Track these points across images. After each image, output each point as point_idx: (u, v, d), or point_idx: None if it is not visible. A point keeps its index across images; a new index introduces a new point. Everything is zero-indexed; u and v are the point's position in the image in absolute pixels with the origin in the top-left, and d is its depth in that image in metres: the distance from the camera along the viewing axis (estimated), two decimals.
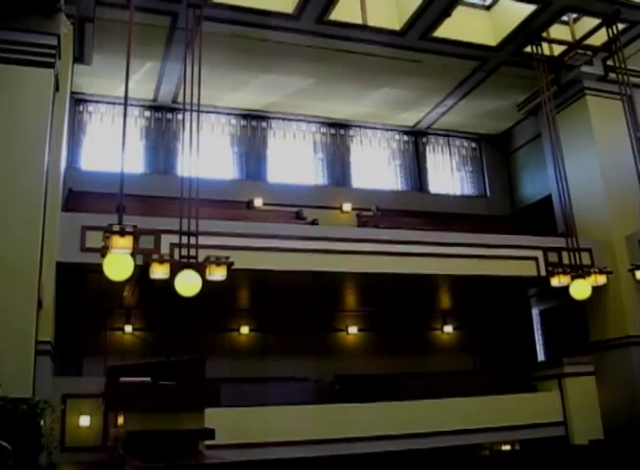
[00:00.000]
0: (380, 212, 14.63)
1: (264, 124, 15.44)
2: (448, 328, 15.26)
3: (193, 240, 9.25)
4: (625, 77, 12.14)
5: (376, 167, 16.26)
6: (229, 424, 9.10)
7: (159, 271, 8.65)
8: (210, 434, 4.33)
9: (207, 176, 13.27)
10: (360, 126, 16.25)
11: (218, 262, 8.78)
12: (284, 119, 15.57)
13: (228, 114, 15.10)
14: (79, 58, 11.76)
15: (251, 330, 13.66)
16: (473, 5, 13.39)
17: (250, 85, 14.06)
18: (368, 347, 14.40)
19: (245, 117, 15.27)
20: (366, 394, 11.22)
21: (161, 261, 8.68)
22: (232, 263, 8.83)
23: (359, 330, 14.49)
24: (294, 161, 15.50)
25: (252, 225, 10.57)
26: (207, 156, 14.02)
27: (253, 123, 15.38)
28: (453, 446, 10.91)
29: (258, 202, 14.19)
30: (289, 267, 10.40)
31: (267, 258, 10.26)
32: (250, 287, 12.10)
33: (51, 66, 9.20)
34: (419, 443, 10.59)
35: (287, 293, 12.27)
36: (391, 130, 16.58)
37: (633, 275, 11.25)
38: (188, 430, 4.36)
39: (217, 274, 8.80)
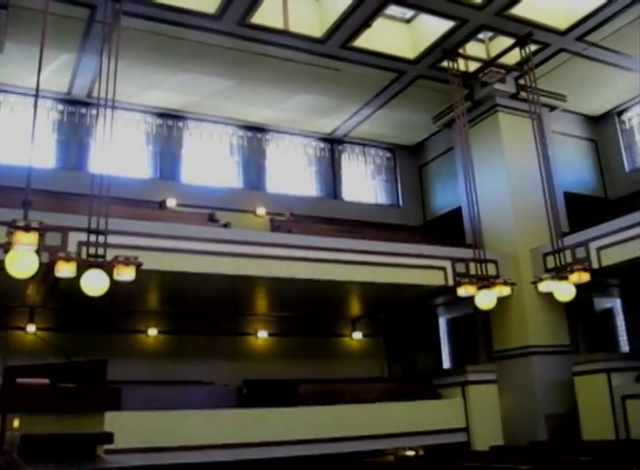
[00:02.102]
0: (293, 218, 14.69)
1: (180, 124, 15.26)
2: (357, 334, 15.41)
3: (102, 239, 9.02)
4: (535, 97, 12.58)
5: (291, 173, 16.30)
6: (134, 428, 8.93)
7: (64, 270, 8.38)
8: (109, 438, 4.22)
9: (120, 174, 13.02)
10: (277, 131, 16.26)
11: (127, 263, 8.59)
12: (201, 120, 15.42)
13: (144, 111, 14.84)
14: None
15: (159, 332, 13.44)
16: (393, 18, 13.59)
17: (167, 84, 13.88)
18: (277, 351, 14.40)
19: (161, 115, 15.04)
20: (274, 398, 11.20)
21: (68, 260, 8.41)
22: (141, 264, 8.66)
23: (269, 335, 14.47)
24: (209, 162, 15.37)
25: (164, 226, 10.39)
26: (121, 153, 13.78)
27: (170, 123, 15.17)
28: (359, 451, 11.00)
29: (171, 202, 14.00)
30: (200, 270, 10.27)
31: (178, 259, 10.10)
32: (160, 289, 11.90)
33: None
34: (326, 448, 10.61)
35: (197, 295, 12.15)
36: (308, 136, 16.67)
37: (536, 287, 11.57)
38: (86, 434, 4.24)
39: (126, 275, 8.61)
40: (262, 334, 14.41)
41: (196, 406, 10.12)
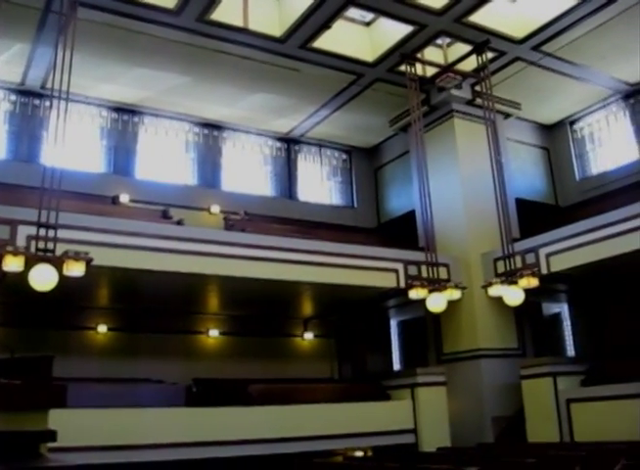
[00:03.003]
0: (248, 217, 14.63)
1: (136, 119, 15.09)
2: (309, 335, 15.43)
3: (52, 233, 8.85)
4: (491, 104, 12.74)
5: (247, 172, 16.25)
6: (81, 426, 8.78)
7: (12, 263, 8.21)
8: (53, 436, 4.14)
9: (73, 168, 12.85)
10: (234, 129, 16.19)
11: (77, 258, 8.44)
12: (157, 116, 15.28)
13: (99, 105, 14.64)
14: None
15: (110, 329, 13.25)
16: (353, 20, 13.66)
17: (124, 78, 13.71)
18: (228, 350, 14.33)
19: (116, 109, 14.85)
20: (224, 398, 11.14)
21: (16, 254, 8.25)
22: (91, 259, 8.52)
23: (220, 333, 14.39)
24: (164, 158, 15.23)
25: (116, 222, 10.25)
26: (74, 147, 13.56)
27: (125, 117, 14.98)
28: (308, 451, 11.01)
29: (125, 198, 13.83)
30: (152, 267, 10.17)
31: (130, 256, 9.99)
32: (111, 285, 11.74)
33: None
34: (275, 447, 10.59)
35: (148, 293, 12.03)
36: (265, 136, 16.64)
37: (486, 292, 11.71)
38: (29, 431, 4.15)
39: (75, 270, 8.46)
40: (214, 333, 14.33)
41: (145, 405, 10.00)
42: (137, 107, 14.92)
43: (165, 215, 13.25)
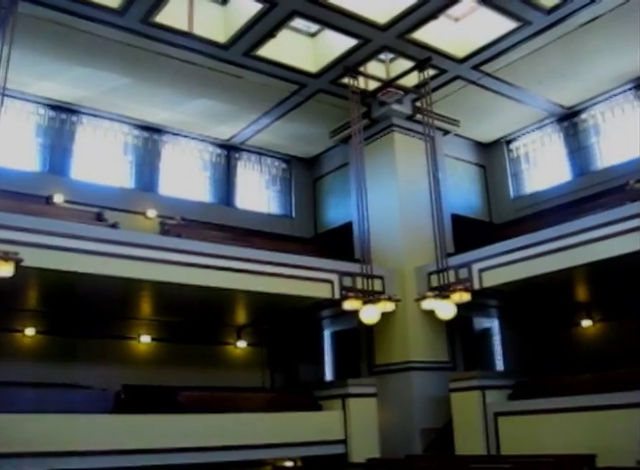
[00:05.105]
0: (184, 222, 14.49)
1: (74, 118, 14.79)
2: (242, 343, 15.33)
3: None
4: (430, 120, 12.91)
5: (185, 177, 16.11)
6: (5, 431, 8.56)
7: None
8: None
9: (5, 166, 12.53)
10: (174, 133, 16.04)
11: (5, 258, 8.22)
12: (96, 116, 15.00)
13: (36, 102, 14.28)
14: None
15: (38, 332, 12.92)
16: (298, 30, 13.71)
17: (63, 76, 13.42)
18: (160, 357, 14.13)
19: (54, 108, 14.52)
20: (154, 405, 10.98)
21: None
22: (21, 260, 8.32)
23: (152, 339, 14.19)
24: (101, 160, 14.97)
25: (49, 222, 10.00)
26: (8, 144, 13.24)
27: (63, 116, 14.67)
28: (238, 460, 10.94)
29: (59, 198, 13.51)
30: (84, 270, 9.95)
31: (62, 257, 9.76)
32: (40, 287, 11.45)
33: None
34: (205, 456, 10.46)
35: (79, 296, 11.73)
36: (205, 141, 16.54)
37: (419, 305, 11.82)
38: None
39: (3, 270, 8.25)
40: (145, 338, 14.11)
41: (72, 411, 9.77)
42: (76, 106, 14.63)
43: (100, 218, 13.01)
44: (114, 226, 12.04)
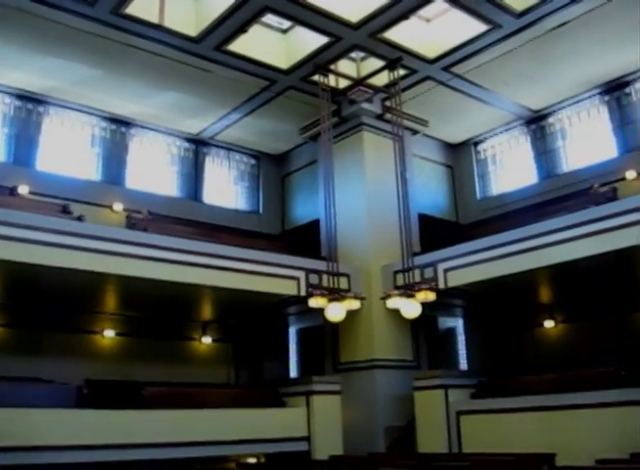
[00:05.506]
0: (151, 216, 14.38)
1: (41, 109, 14.57)
2: (207, 339, 15.27)
3: None
4: (399, 119, 12.99)
5: (153, 171, 15.98)
6: None
7: None
8: None
9: None
10: (142, 126, 15.90)
11: None
12: (63, 107, 14.80)
13: (2, 91, 14.06)
14: None
15: None
16: (270, 26, 13.69)
17: (31, 65, 13.21)
18: (124, 352, 14.04)
19: (20, 97, 14.28)
20: (117, 400, 10.88)
21: None
22: None
23: (116, 334, 14.07)
24: (68, 151, 14.77)
25: (13, 213, 9.87)
26: None
27: (29, 106, 14.43)
28: (202, 456, 10.91)
29: (24, 189, 13.34)
30: (48, 263, 9.82)
31: (26, 250, 9.62)
32: (4, 279, 11.27)
33: None
34: (168, 452, 10.42)
35: (43, 289, 11.59)
36: (173, 135, 16.42)
37: (384, 303, 11.88)
38: None
39: None
40: (109, 333, 13.99)
41: (33, 405, 9.65)
42: (43, 96, 14.41)
43: (66, 210, 12.88)
44: (79, 219, 11.91)
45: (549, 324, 14.96)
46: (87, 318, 13.71)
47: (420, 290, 11.23)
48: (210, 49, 12.94)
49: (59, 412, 9.76)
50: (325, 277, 12.39)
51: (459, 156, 17.41)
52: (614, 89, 14.59)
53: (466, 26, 12.74)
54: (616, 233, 10.20)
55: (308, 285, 12.63)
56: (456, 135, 17.01)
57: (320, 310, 11.45)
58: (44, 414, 9.54)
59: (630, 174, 13.69)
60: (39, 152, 14.36)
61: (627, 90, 14.46)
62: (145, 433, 10.33)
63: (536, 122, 16.02)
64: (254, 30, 12.79)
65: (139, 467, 10.35)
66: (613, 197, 13.10)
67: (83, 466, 9.68)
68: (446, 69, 13.82)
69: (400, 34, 12.85)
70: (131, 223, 13.79)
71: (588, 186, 13.67)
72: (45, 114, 14.62)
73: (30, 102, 14.44)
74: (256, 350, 15.77)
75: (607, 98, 14.75)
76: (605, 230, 10.33)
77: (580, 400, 10.23)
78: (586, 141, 15.07)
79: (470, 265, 12.17)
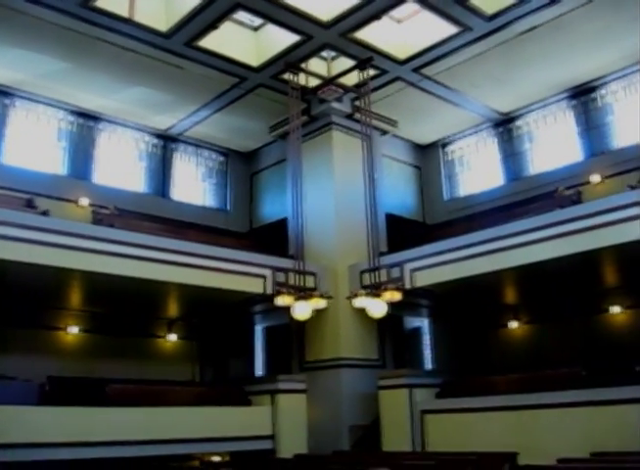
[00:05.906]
0: (118, 212, 14.25)
1: (7, 101, 14.33)
2: (172, 336, 15.18)
3: None
4: (369, 119, 13.03)
5: (120, 166, 15.83)
6: None
7: None
8: None
9: None
10: (110, 121, 15.72)
11: None
12: (29, 100, 14.56)
13: None
14: None
15: None
16: (241, 23, 13.64)
17: None
18: (88, 348, 13.86)
19: None
20: (81, 397, 10.76)
21: None
22: None
23: (80, 330, 13.91)
24: (33, 145, 14.55)
25: None
26: None
27: None
28: (166, 455, 10.84)
29: None
30: (12, 257, 9.70)
31: None
32: None
33: None
34: (132, 450, 10.36)
35: (6, 284, 11.44)
36: (142, 131, 16.28)
37: (351, 302, 11.93)
38: None
39: None
40: (73, 329, 13.82)
41: None
42: (9, 88, 14.15)
43: (30, 205, 12.72)
44: (44, 214, 11.78)
45: (514, 325, 15.10)
46: (52, 314, 13.55)
47: (386, 290, 11.30)
48: (181, 44, 12.86)
49: (20, 409, 9.64)
50: (292, 276, 12.41)
51: (427, 157, 17.50)
52: (580, 94, 14.80)
53: (437, 28, 12.83)
54: (580, 236, 10.37)
55: (275, 283, 12.65)
56: (425, 136, 17.11)
57: (287, 309, 11.46)
58: (4, 412, 9.41)
59: (595, 178, 13.87)
60: (4, 145, 14.11)
61: (593, 95, 14.67)
62: (108, 430, 10.25)
63: (504, 125, 16.18)
64: (226, 27, 12.74)
65: (100, 465, 10.25)
66: (577, 200, 13.30)
67: (46, 464, 9.57)
68: (416, 70, 13.90)
69: (371, 35, 12.90)
70: (97, 219, 13.66)
71: (554, 189, 13.84)
72: (11, 106, 14.37)
73: None
74: (222, 348, 15.70)
75: (573, 102, 14.95)
76: (569, 233, 10.50)
77: (544, 401, 10.38)
78: (552, 144, 15.26)
79: (436, 266, 12.28)
